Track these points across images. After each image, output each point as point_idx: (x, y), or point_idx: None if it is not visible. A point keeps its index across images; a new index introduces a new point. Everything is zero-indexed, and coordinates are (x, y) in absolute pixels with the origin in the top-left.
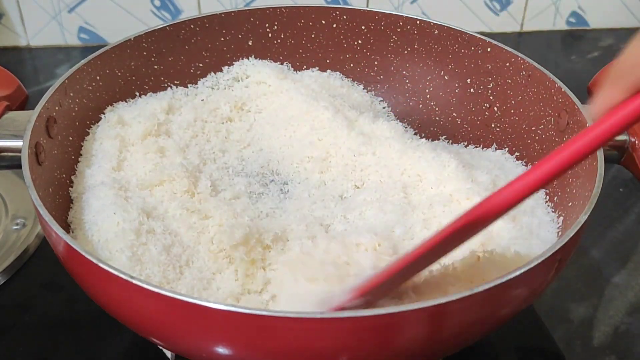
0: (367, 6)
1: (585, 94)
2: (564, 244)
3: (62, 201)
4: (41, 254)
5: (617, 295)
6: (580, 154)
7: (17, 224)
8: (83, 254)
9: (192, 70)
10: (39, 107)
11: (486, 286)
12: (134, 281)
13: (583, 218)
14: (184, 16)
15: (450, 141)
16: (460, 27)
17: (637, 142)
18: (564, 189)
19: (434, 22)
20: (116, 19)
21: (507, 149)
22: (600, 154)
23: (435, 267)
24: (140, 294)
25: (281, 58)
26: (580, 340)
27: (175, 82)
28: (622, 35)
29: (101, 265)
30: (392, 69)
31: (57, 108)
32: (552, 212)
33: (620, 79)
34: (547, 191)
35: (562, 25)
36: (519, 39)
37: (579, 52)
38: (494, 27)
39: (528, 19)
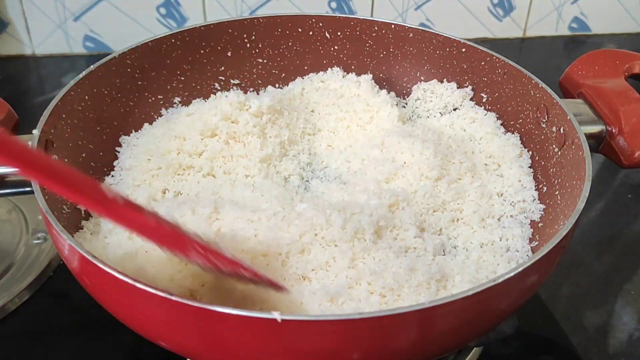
0: (372, 13)
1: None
2: (538, 259)
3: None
4: (64, 266)
5: (630, 301)
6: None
7: (38, 238)
8: (94, 262)
9: (174, 84)
10: (37, 132)
11: (466, 293)
12: (142, 286)
13: (573, 220)
14: (189, 24)
15: None
16: (437, 30)
17: (613, 130)
18: (563, 195)
19: (408, 25)
20: (122, 27)
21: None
22: (586, 150)
23: None
24: (144, 298)
25: (259, 67)
26: (596, 348)
27: (159, 96)
28: (624, 41)
29: (101, 266)
30: (368, 72)
31: (52, 131)
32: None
33: None
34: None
35: (564, 31)
36: (522, 45)
37: None
38: (497, 32)
39: (531, 24)
